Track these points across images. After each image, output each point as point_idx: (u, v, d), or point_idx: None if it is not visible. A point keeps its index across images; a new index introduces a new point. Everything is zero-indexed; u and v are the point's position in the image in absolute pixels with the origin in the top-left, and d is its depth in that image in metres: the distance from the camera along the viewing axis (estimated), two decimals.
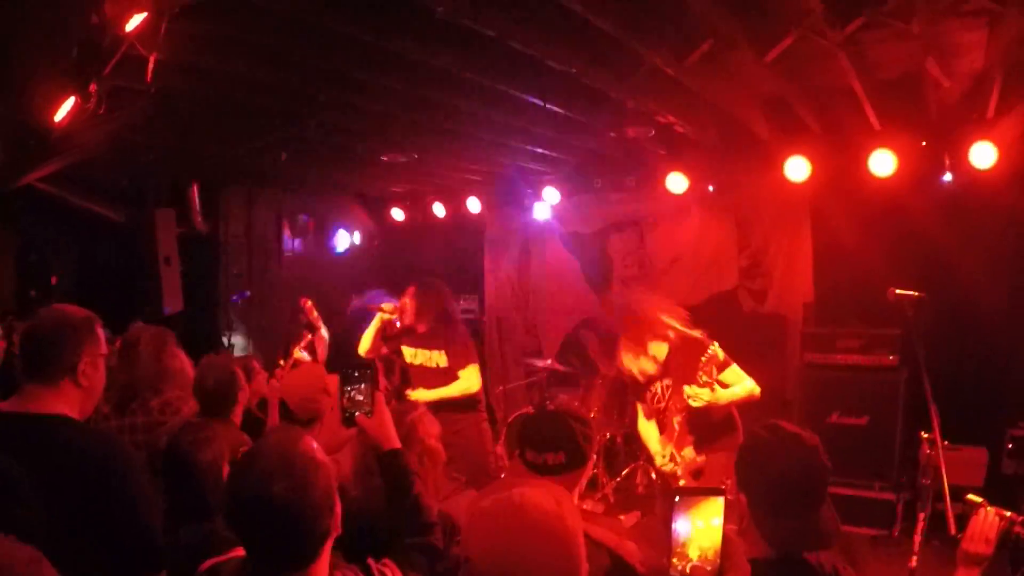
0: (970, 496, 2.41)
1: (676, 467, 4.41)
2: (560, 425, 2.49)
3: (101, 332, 2.55)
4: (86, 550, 2.24)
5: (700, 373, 4.12)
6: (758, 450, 2.17)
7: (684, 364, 4.32)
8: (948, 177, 5.97)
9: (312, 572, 1.75)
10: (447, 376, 5.57)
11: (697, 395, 4.14)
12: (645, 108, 5.68)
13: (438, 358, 5.61)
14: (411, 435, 2.84)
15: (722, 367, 4.26)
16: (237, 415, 3.72)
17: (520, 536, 1.49)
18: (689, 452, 4.38)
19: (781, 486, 2.08)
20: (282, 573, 1.72)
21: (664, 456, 4.45)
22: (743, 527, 2.16)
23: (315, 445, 1.82)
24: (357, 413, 2.48)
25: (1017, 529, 2.23)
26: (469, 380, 5.52)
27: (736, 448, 4.36)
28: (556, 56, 4.58)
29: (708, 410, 4.31)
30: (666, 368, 4.46)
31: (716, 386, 4.17)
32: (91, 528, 2.25)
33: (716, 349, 4.13)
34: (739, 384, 4.35)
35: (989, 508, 2.33)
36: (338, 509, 1.80)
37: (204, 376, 3.68)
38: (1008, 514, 2.29)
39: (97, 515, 2.26)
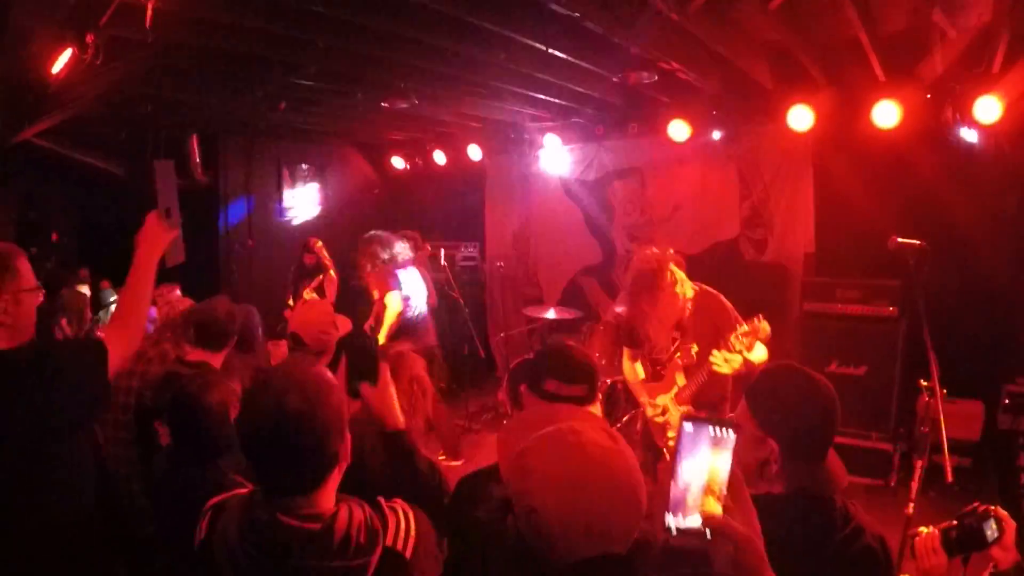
0: (911, 531, 2.49)
1: (667, 420, 4.44)
2: (581, 359, 2.57)
3: (22, 266, 2.50)
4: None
5: (735, 340, 4.02)
6: (792, 393, 2.17)
7: (700, 324, 4.28)
8: (963, 132, 5.90)
9: (318, 498, 1.78)
10: None
11: (729, 360, 4.02)
12: (648, 55, 5.62)
13: None
14: (397, 368, 2.84)
15: (764, 341, 4.13)
16: (220, 358, 3.80)
17: (586, 478, 1.43)
18: (687, 410, 4.40)
19: (807, 429, 2.12)
20: (288, 496, 1.75)
21: (656, 408, 4.48)
22: (772, 472, 2.17)
23: (329, 373, 1.87)
24: (362, 384, 2.49)
25: (951, 534, 2.31)
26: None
27: (724, 404, 4.47)
28: (560, 0, 4.52)
29: (721, 380, 4.28)
30: (680, 322, 4.41)
31: (745, 355, 4.05)
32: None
33: (765, 325, 4.04)
34: (760, 354, 4.22)
35: (922, 529, 2.41)
36: (347, 436, 1.83)
37: (211, 309, 3.83)
38: (942, 527, 2.38)
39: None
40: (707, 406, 4.33)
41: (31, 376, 2.34)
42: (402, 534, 1.81)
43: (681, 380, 4.39)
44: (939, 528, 2.40)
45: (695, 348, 4.31)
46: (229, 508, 1.83)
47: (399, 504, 1.89)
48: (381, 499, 1.92)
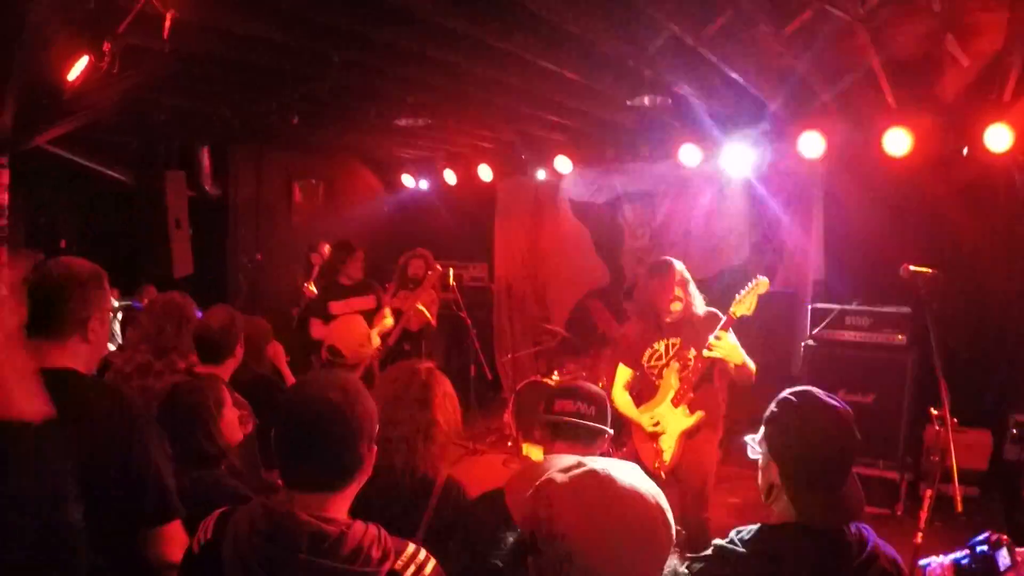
0: (921, 562, 2.44)
1: (661, 432, 4.53)
2: (590, 386, 2.81)
3: (107, 285, 2.53)
4: (98, 501, 2.24)
5: (736, 305, 4.38)
6: (796, 419, 2.14)
7: (698, 331, 4.46)
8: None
9: (336, 504, 1.83)
10: None
11: (721, 339, 4.29)
12: (662, 78, 5.63)
13: None
14: (431, 383, 2.83)
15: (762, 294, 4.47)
16: (230, 368, 3.77)
17: (621, 516, 1.40)
18: (684, 410, 4.52)
19: (816, 458, 2.09)
20: (309, 493, 1.80)
21: (651, 418, 4.57)
22: (773, 495, 2.17)
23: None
24: None
25: (967, 566, 2.28)
26: None
27: (718, 422, 4.55)
28: (575, 21, 4.53)
29: (712, 391, 4.55)
30: (679, 327, 4.56)
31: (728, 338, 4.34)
32: (102, 479, 2.25)
33: (764, 280, 4.41)
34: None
35: (932, 559, 2.37)
36: (375, 448, 1.89)
37: (207, 321, 3.76)
38: (952, 559, 2.34)
39: (108, 466, 2.26)
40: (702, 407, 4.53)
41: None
42: (412, 569, 1.79)
43: (675, 382, 4.52)
44: (951, 558, 2.36)
45: (692, 352, 4.49)
46: (240, 511, 1.85)
47: (424, 550, 1.88)
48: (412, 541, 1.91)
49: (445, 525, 2.67)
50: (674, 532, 1.46)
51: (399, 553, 1.80)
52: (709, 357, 4.34)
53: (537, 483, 1.48)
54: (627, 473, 1.48)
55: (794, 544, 2.08)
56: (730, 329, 4.36)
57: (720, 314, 4.48)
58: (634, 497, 1.42)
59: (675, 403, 4.51)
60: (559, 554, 1.38)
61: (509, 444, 7.83)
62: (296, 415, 1.85)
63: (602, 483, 1.43)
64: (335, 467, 1.82)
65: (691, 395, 4.49)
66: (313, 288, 8.11)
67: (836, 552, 2.07)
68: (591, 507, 1.40)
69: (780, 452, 2.15)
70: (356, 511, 1.89)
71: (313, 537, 1.72)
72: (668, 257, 4.69)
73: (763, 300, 4.46)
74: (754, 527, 2.16)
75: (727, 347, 4.29)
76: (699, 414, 4.48)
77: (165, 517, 2.37)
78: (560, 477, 1.46)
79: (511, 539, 1.52)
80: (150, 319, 3.92)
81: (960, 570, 2.29)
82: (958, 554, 2.33)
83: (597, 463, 1.48)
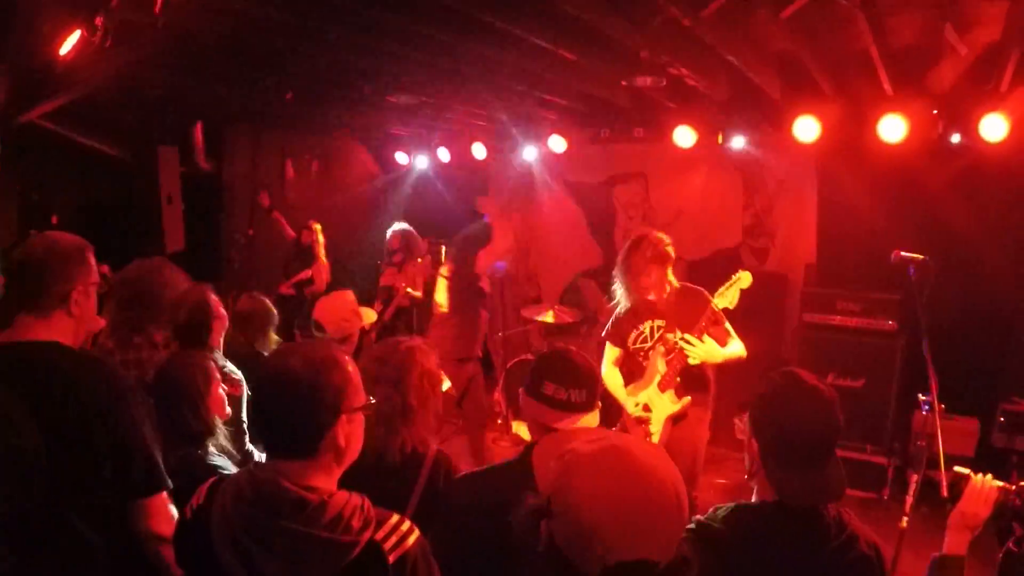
0: (957, 468, 2.44)
1: (648, 416, 4.53)
2: (582, 363, 2.51)
3: (92, 259, 2.54)
4: (86, 473, 2.29)
5: (718, 298, 4.36)
6: (777, 398, 2.17)
7: (681, 311, 4.46)
8: (956, 139, 5.92)
9: (314, 473, 1.84)
10: None
11: (695, 352, 4.29)
12: (658, 59, 5.60)
13: None
14: (407, 363, 2.81)
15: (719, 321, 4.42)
16: (215, 341, 3.70)
17: (638, 487, 1.40)
18: (671, 396, 4.50)
19: (794, 437, 2.10)
20: (282, 459, 1.83)
21: (637, 405, 4.57)
22: (752, 471, 2.19)
23: (347, 357, 1.95)
24: None
25: (1013, 499, 2.27)
26: None
27: (708, 401, 4.53)
28: (571, 0, 4.51)
29: (701, 369, 4.54)
30: (663, 307, 4.55)
31: (710, 341, 4.34)
32: (89, 451, 2.28)
33: (747, 275, 4.40)
34: (735, 341, 4.45)
35: (985, 476, 2.37)
36: (343, 419, 1.87)
37: (177, 309, 3.68)
38: (1002, 484, 2.33)
39: (94, 438, 2.29)
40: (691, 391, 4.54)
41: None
42: (393, 539, 1.82)
43: (662, 367, 4.50)
44: (999, 483, 2.35)
45: (678, 334, 4.44)
46: (228, 478, 1.90)
47: (408, 520, 1.89)
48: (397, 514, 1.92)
49: (435, 498, 2.69)
50: (688, 514, 1.47)
51: (381, 523, 1.82)
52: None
53: (561, 451, 1.49)
54: (648, 451, 1.48)
55: (770, 522, 2.11)
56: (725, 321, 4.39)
57: (702, 290, 4.48)
58: (652, 475, 1.42)
59: (661, 388, 4.50)
60: (572, 521, 1.39)
61: (499, 422, 7.87)
62: (259, 382, 1.90)
63: (623, 457, 1.43)
64: (295, 433, 1.83)
65: (677, 380, 4.48)
66: (292, 289, 8.21)
67: (813, 532, 2.10)
68: (609, 479, 1.41)
69: (760, 430, 2.18)
70: (348, 485, 1.91)
71: (294, 504, 1.76)
72: (646, 230, 4.65)
73: (754, 282, 4.46)
74: (731, 504, 2.18)
75: (702, 351, 4.30)
76: (686, 400, 4.49)
77: (152, 488, 2.39)
78: (583, 447, 1.47)
79: (529, 501, 1.49)
80: (124, 290, 3.88)
81: (1003, 498, 2.30)
82: (1003, 484, 2.32)
83: (620, 439, 1.49)
